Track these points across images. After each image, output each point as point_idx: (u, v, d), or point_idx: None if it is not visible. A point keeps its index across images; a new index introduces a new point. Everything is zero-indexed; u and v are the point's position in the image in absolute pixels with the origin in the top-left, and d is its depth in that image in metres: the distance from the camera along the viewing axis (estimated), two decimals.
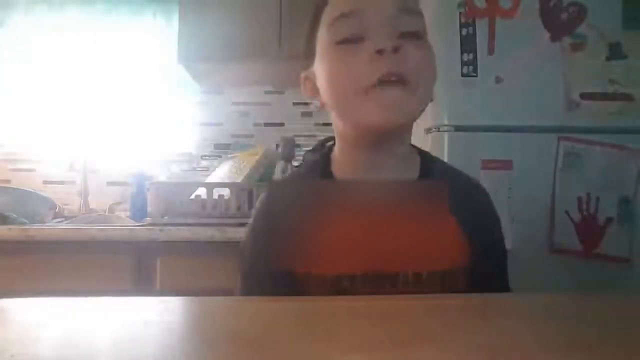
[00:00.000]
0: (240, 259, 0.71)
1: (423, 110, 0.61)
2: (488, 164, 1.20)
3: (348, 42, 0.58)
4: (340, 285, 0.60)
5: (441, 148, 1.21)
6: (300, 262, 0.58)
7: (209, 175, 1.87)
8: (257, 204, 0.70)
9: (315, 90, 0.66)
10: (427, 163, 0.67)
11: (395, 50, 0.55)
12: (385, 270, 0.61)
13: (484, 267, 0.65)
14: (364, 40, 0.57)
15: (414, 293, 0.61)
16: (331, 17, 0.60)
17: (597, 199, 1.21)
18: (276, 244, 0.55)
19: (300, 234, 0.56)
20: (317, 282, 0.61)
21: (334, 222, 0.52)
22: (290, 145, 1.59)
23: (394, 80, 0.55)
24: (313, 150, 1.33)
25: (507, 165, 1.20)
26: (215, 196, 1.45)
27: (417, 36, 0.58)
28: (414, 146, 0.69)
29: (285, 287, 0.62)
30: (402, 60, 0.56)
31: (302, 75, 0.68)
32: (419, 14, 0.60)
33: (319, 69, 0.63)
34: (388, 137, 0.61)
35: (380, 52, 0.55)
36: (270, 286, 0.64)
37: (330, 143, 0.72)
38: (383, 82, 0.55)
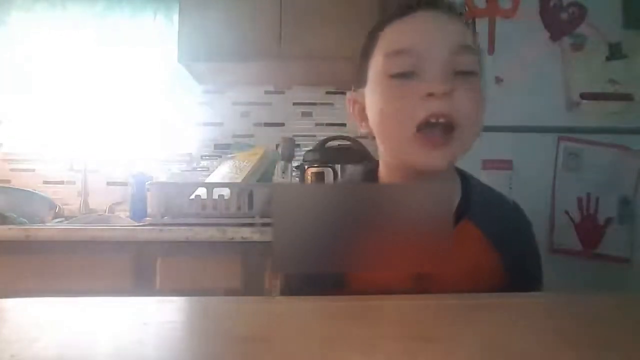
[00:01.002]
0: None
1: (464, 153, 0.60)
2: (488, 164, 1.20)
3: (402, 76, 0.58)
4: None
5: None
6: (291, 267, 0.55)
7: (209, 175, 1.87)
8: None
9: (363, 116, 0.65)
10: (467, 184, 0.67)
11: (446, 94, 0.55)
12: (427, 289, 0.59)
13: (519, 277, 0.63)
14: (418, 76, 0.57)
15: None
16: (388, 49, 0.60)
17: (597, 199, 1.21)
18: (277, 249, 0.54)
19: (299, 239, 0.55)
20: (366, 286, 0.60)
21: (334, 230, 0.52)
22: (290, 145, 1.59)
23: (442, 122, 0.56)
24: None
25: (507, 165, 1.20)
26: (215, 196, 1.45)
27: (472, 74, 0.58)
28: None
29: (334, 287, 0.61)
30: (452, 103, 0.56)
31: (351, 96, 0.68)
32: (475, 51, 0.60)
33: (370, 98, 0.63)
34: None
35: (431, 94, 0.55)
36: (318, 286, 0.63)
37: (369, 164, 0.71)
38: (430, 124, 0.56)
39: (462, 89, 0.56)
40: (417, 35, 0.58)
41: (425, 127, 0.56)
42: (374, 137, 0.65)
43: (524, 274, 0.65)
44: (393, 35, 0.60)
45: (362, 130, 0.67)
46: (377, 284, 0.61)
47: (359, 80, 0.65)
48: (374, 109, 0.62)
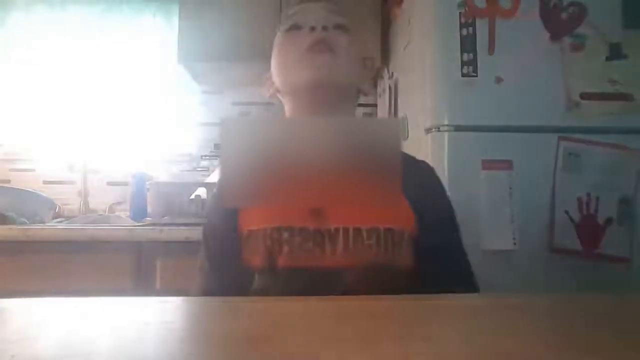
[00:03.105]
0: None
1: (349, 80, 0.75)
2: (488, 164, 1.20)
3: (292, 28, 0.76)
4: (281, 238, 0.66)
5: (441, 148, 1.21)
6: (239, 201, 0.60)
7: (209, 175, 1.87)
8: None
9: (270, 83, 0.81)
10: None
11: (325, 28, 0.74)
12: (325, 224, 0.66)
13: (430, 239, 0.68)
14: (302, 27, 0.75)
15: (355, 250, 0.65)
16: (282, 18, 0.79)
17: (597, 199, 1.21)
18: (225, 186, 0.56)
19: (246, 174, 0.57)
20: (257, 236, 0.68)
21: (278, 165, 0.53)
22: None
23: (324, 48, 0.72)
24: None
25: (507, 165, 1.20)
26: None
27: (343, 28, 0.76)
28: None
29: (232, 248, 0.70)
30: (330, 36, 0.73)
31: (264, 77, 0.83)
32: (345, 14, 0.79)
33: (273, 57, 0.80)
34: (326, 102, 0.73)
35: (312, 28, 0.74)
36: (221, 247, 0.74)
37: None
38: (314, 48, 0.72)
39: (337, 32, 0.75)
40: (303, 5, 0.78)
41: (310, 50, 0.72)
42: (278, 99, 0.81)
43: (436, 217, 0.72)
44: (285, 13, 0.81)
45: (268, 94, 0.82)
46: (271, 219, 0.68)
47: (269, 59, 0.81)
48: (275, 60, 0.78)
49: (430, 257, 0.68)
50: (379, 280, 0.64)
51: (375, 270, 0.66)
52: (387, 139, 0.53)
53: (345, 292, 0.61)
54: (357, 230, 0.66)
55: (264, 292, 0.68)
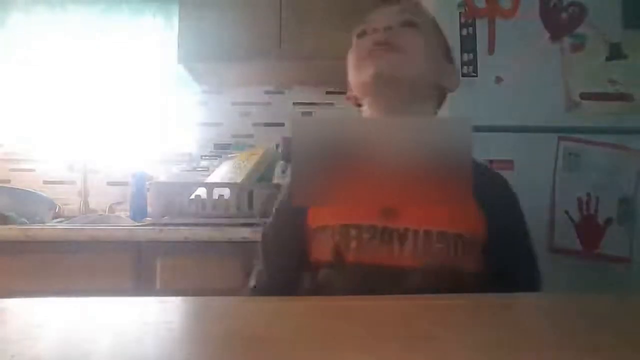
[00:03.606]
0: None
1: (418, 75, 0.73)
2: (488, 164, 1.20)
3: (362, 34, 0.77)
4: (348, 235, 0.67)
5: None
6: (309, 200, 0.62)
7: (209, 175, 1.87)
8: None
9: (352, 92, 0.80)
10: None
11: (387, 28, 0.73)
12: (395, 223, 0.66)
13: (501, 246, 0.68)
14: (371, 32, 0.75)
15: (424, 252, 0.65)
16: (358, 27, 0.79)
17: (597, 199, 1.21)
18: (297, 185, 0.57)
19: (317, 172, 0.57)
20: (325, 232, 0.69)
21: (350, 164, 0.54)
22: (290, 145, 1.58)
23: (384, 47, 0.71)
24: None
25: (507, 165, 1.20)
26: (215, 196, 1.45)
27: (411, 24, 0.74)
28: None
29: (297, 242, 0.72)
30: (392, 35, 0.72)
31: (347, 95, 0.83)
32: (415, 11, 0.78)
33: (349, 64, 0.79)
34: (396, 99, 0.72)
35: (375, 30, 0.74)
36: (287, 241, 0.75)
37: None
38: (376, 48, 0.72)
39: (402, 29, 0.73)
40: (376, 10, 0.79)
41: (373, 51, 0.72)
42: (358, 104, 0.80)
43: (507, 225, 0.72)
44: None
45: (354, 103, 0.81)
46: (340, 216, 0.69)
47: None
48: (349, 66, 0.78)
49: (498, 266, 0.69)
50: (445, 285, 0.64)
51: (442, 274, 0.65)
52: (458, 139, 0.53)
53: (410, 293, 0.62)
54: (427, 233, 0.66)
55: (328, 287, 0.68)
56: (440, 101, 0.82)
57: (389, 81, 0.71)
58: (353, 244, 0.67)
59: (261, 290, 0.77)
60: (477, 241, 0.68)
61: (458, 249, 0.66)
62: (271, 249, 0.79)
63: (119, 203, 1.97)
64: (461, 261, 0.67)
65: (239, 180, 1.53)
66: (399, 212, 0.68)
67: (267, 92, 2.08)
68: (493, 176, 0.78)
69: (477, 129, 1.21)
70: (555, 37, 1.25)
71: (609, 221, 1.21)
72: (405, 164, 0.54)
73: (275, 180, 1.55)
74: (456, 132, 0.55)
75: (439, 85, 0.78)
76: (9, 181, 1.98)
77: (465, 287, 0.64)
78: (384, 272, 0.66)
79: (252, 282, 0.78)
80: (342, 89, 2.05)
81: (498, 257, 0.69)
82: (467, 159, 0.53)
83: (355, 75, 0.76)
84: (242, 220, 1.41)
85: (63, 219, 1.83)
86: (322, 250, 0.70)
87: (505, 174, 1.21)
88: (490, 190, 0.67)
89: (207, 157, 2.06)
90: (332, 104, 2.05)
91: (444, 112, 1.23)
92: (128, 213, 1.85)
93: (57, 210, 1.83)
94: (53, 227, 1.50)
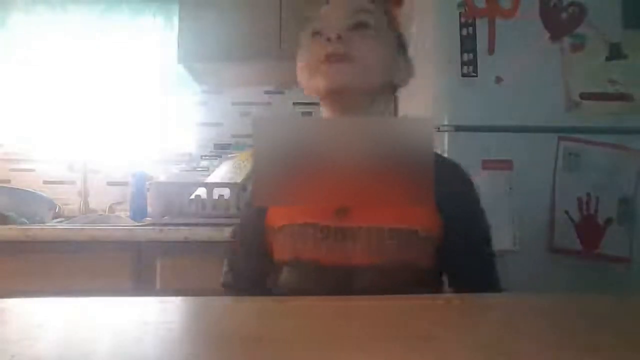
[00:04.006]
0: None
1: (373, 81, 0.73)
2: (488, 164, 1.20)
3: (314, 34, 0.75)
4: (306, 234, 0.69)
5: (441, 148, 1.21)
6: (269, 200, 0.63)
7: (209, 175, 1.87)
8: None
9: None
10: None
11: (338, 37, 0.71)
12: (348, 222, 0.68)
13: (458, 246, 0.69)
14: (322, 34, 0.73)
15: (376, 250, 0.66)
16: (311, 17, 0.78)
17: (597, 199, 1.21)
18: (257, 184, 0.58)
19: (277, 171, 0.58)
20: (285, 232, 0.71)
21: (309, 164, 0.54)
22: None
23: (338, 59, 0.70)
24: None
25: (507, 165, 1.20)
26: (215, 196, 1.45)
27: (365, 27, 0.73)
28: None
29: (260, 242, 0.74)
30: (344, 44, 0.71)
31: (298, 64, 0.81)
32: (371, 11, 0.75)
33: (298, 56, 0.78)
34: (352, 105, 0.72)
35: (328, 39, 0.72)
36: (251, 241, 0.77)
37: None
38: (329, 59, 0.70)
39: (356, 35, 0.72)
40: (325, 7, 0.77)
41: (326, 61, 0.71)
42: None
43: (465, 226, 0.72)
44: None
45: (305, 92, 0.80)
46: (298, 216, 0.70)
47: (299, 57, 0.80)
48: (298, 66, 0.77)
49: (454, 259, 0.70)
50: (399, 280, 0.66)
51: (395, 271, 0.66)
52: (419, 139, 0.53)
53: (365, 291, 0.64)
54: (380, 230, 0.67)
55: (289, 286, 0.71)
56: (392, 96, 0.82)
57: (342, 92, 0.72)
58: (310, 244, 0.68)
59: (228, 290, 0.80)
60: (432, 237, 0.69)
61: (411, 246, 0.67)
62: (237, 248, 0.82)
63: (119, 203, 1.97)
64: (415, 258, 0.67)
65: (239, 180, 1.53)
66: (352, 211, 0.69)
67: (267, 92, 2.08)
68: (446, 166, 0.76)
69: (477, 129, 1.22)
70: (555, 37, 1.25)
71: (609, 221, 1.21)
72: (365, 164, 0.54)
73: None
74: (417, 132, 0.54)
75: (391, 83, 0.78)
76: (9, 181, 1.98)
77: (419, 284, 0.66)
78: (338, 271, 0.67)
79: (221, 280, 0.83)
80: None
81: (453, 253, 0.70)
82: (428, 160, 0.53)
83: (308, 80, 0.75)
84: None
85: (63, 219, 1.83)
86: (282, 250, 0.72)
87: (505, 174, 1.22)
88: (443, 181, 0.64)
89: (207, 157, 2.06)
90: None
91: (442, 111, 1.23)
92: (128, 213, 1.85)
93: (57, 210, 1.83)
94: (53, 227, 1.50)
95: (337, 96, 0.73)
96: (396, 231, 0.67)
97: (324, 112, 0.78)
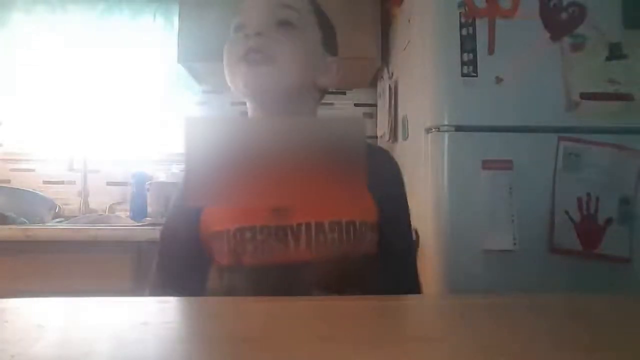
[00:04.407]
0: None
1: (292, 83, 0.71)
2: (488, 164, 1.20)
3: (236, 29, 0.74)
4: (244, 238, 0.67)
5: (441, 148, 1.21)
6: (201, 200, 0.61)
7: None
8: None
9: None
10: None
11: (258, 34, 0.69)
12: (287, 221, 0.68)
13: (391, 235, 0.71)
14: (243, 28, 0.72)
15: (318, 244, 0.67)
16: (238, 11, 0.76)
17: (597, 199, 1.21)
18: (189, 186, 0.56)
19: (210, 176, 0.57)
20: (221, 237, 0.69)
21: (241, 165, 0.54)
22: None
23: (258, 57, 0.68)
24: None
25: (507, 165, 1.20)
26: None
27: (289, 25, 0.71)
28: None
29: (191, 249, 0.72)
30: (264, 42, 0.69)
31: None
32: (293, 7, 0.73)
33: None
34: (274, 104, 0.71)
35: (246, 35, 0.70)
36: (179, 248, 0.74)
37: None
38: (249, 57, 0.68)
39: (278, 33, 0.70)
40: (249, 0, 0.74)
41: (244, 59, 0.69)
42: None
43: (397, 213, 0.75)
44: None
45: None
46: (233, 220, 0.68)
47: None
48: (225, 60, 0.74)
49: (388, 247, 0.72)
50: (343, 272, 0.67)
51: (338, 263, 0.67)
52: (351, 138, 0.54)
53: (311, 286, 0.65)
54: (319, 225, 0.67)
55: (232, 290, 0.69)
56: (320, 97, 0.80)
57: (261, 92, 0.71)
58: (249, 247, 0.67)
59: (153, 289, 0.75)
60: (369, 225, 0.70)
61: (351, 236, 0.68)
62: (166, 249, 0.77)
63: (119, 203, 1.97)
64: (355, 247, 0.68)
65: None
66: (290, 209, 0.68)
67: None
68: (377, 155, 0.77)
69: (477, 129, 1.22)
70: (555, 37, 1.25)
71: (609, 221, 1.21)
72: (297, 163, 0.54)
73: None
74: (349, 130, 0.55)
75: (315, 85, 0.76)
76: (9, 181, 1.98)
77: (361, 271, 0.68)
78: (282, 270, 0.67)
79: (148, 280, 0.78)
80: (341, 89, 2.06)
81: (386, 236, 0.72)
82: (361, 158, 0.53)
83: (229, 77, 0.73)
84: None
85: (63, 219, 1.83)
86: (220, 255, 0.70)
87: (505, 174, 1.22)
88: (375, 171, 0.64)
89: None
90: (332, 103, 2.05)
91: (442, 111, 1.23)
92: (128, 213, 1.85)
93: (57, 210, 1.83)
94: (53, 227, 1.50)
95: (258, 97, 0.72)
96: (336, 224, 0.67)
97: (250, 110, 0.76)
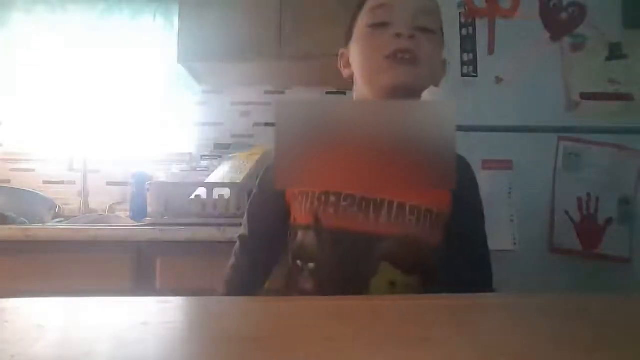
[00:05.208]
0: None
1: (425, 85, 0.76)
2: (488, 164, 1.20)
3: (377, 26, 0.74)
4: (328, 201, 0.71)
5: None
6: (291, 181, 0.63)
7: (209, 175, 1.87)
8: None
9: (347, 64, 0.82)
10: None
11: (411, 37, 0.72)
12: (372, 195, 0.71)
13: (462, 224, 0.75)
14: (389, 26, 0.73)
15: (397, 222, 0.70)
16: (369, 7, 0.77)
17: (597, 199, 1.21)
18: (278, 164, 0.58)
19: (299, 152, 0.58)
20: (306, 197, 0.73)
21: (333, 142, 0.55)
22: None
23: (407, 58, 0.71)
24: None
25: (507, 165, 1.20)
26: (215, 196, 1.45)
27: (431, 32, 0.74)
28: None
29: (277, 211, 0.77)
30: (414, 44, 0.72)
31: (340, 51, 0.84)
32: (436, 14, 0.77)
33: (354, 46, 0.79)
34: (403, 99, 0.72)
35: (398, 35, 0.72)
36: (266, 213, 0.81)
37: None
38: (398, 56, 0.71)
39: (424, 38, 0.73)
40: None
41: (394, 58, 0.71)
42: (351, 80, 0.81)
43: (469, 205, 0.79)
44: None
45: (345, 76, 0.83)
46: (321, 182, 0.69)
47: (348, 37, 0.81)
48: (356, 51, 0.77)
49: (458, 246, 0.75)
50: (414, 254, 0.71)
51: (410, 244, 0.71)
52: (442, 121, 0.55)
53: (380, 260, 0.69)
54: (401, 205, 0.71)
55: (305, 248, 0.73)
56: None
57: (403, 92, 0.72)
58: (331, 210, 0.71)
59: (244, 252, 0.84)
60: (443, 217, 0.73)
61: (427, 223, 0.71)
62: (255, 214, 0.85)
63: (119, 203, 1.97)
64: (427, 235, 0.72)
65: (239, 180, 1.53)
66: (377, 184, 0.70)
67: (267, 92, 2.08)
68: (459, 159, 0.79)
69: (477, 129, 1.22)
70: (555, 37, 1.25)
71: (609, 221, 1.21)
72: (391, 146, 0.55)
73: None
74: (441, 113, 0.55)
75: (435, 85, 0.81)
76: (9, 181, 1.98)
77: (427, 260, 0.71)
78: (357, 237, 0.70)
79: (235, 248, 0.86)
80: (342, 89, 2.06)
81: (458, 236, 0.75)
82: (451, 141, 0.54)
83: (368, 76, 0.75)
84: (242, 220, 1.40)
85: (63, 219, 1.83)
86: (301, 214, 0.74)
87: (505, 174, 1.21)
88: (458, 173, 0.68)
89: (207, 157, 2.06)
90: None
91: None
92: (128, 213, 1.85)
93: (57, 210, 1.83)
94: (53, 227, 1.50)
95: (396, 96, 0.73)
96: (416, 208, 0.71)
97: (361, 91, 0.78)
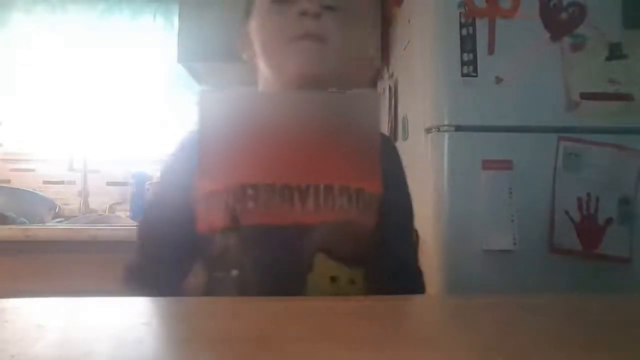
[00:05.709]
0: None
1: (335, 69, 0.73)
2: (488, 164, 1.20)
3: (280, 2, 0.70)
4: (245, 196, 0.62)
5: (441, 148, 1.21)
6: (205, 178, 0.60)
7: None
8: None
9: (247, 42, 0.76)
10: None
11: (317, 15, 0.68)
12: (295, 181, 0.63)
13: (392, 214, 0.69)
14: (293, 3, 0.69)
15: (326, 208, 0.63)
16: None
17: (597, 199, 1.21)
18: (203, 158, 0.55)
19: (217, 147, 0.56)
20: (219, 196, 0.63)
21: (253, 136, 0.54)
22: None
23: (314, 43, 0.68)
24: None
25: (507, 165, 1.20)
26: None
27: (335, 10, 0.71)
28: None
29: (185, 216, 0.66)
30: (321, 26, 0.68)
31: (241, 30, 0.78)
32: None
33: (255, 23, 0.74)
34: (308, 87, 0.69)
35: (304, 14, 0.68)
36: (171, 216, 0.71)
37: None
38: (303, 38, 0.67)
39: (329, 17, 0.69)
40: None
41: (300, 39, 0.67)
42: (253, 61, 0.75)
43: (397, 196, 0.74)
44: None
45: (244, 57, 0.77)
46: (235, 176, 0.63)
47: (248, 11, 0.77)
48: (257, 29, 0.72)
49: (389, 232, 0.68)
50: (350, 241, 0.65)
51: (343, 229, 0.65)
52: (365, 112, 0.54)
53: (315, 251, 0.63)
54: (328, 187, 0.63)
55: (225, 256, 0.65)
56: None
57: (312, 77, 0.69)
58: (250, 205, 0.62)
59: (138, 277, 0.76)
60: (376, 197, 0.66)
61: (359, 204, 0.64)
62: (154, 230, 0.76)
63: (119, 203, 1.97)
64: (361, 217, 0.65)
65: None
66: (298, 168, 0.64)
67: None
68: (385, 140, 0.75)
69: (477, 128, 1.21)
70: (555, 37, 1.25)
71: (609, 221, 1.21)
72: (310, 134, 0.54)
73: None
74: (364, 105, 0.55)
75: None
76: (9, 181, 1.98)
77: (365, 247, 0.65)
78: (284, 231, 0.63)
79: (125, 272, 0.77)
80: (341, 89, 2.05)
81: (387, 216, 0.68)
82: (375, 133, 0.53)
83: (273, 57, 0.70)
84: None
85: (63, 219, 1.83)
86: (214, 217, 0.64)
87: (505, 174, 1.21)
88: (384, 151, 0.64)
89: None
90: None
91: (442, 111, 1.23)
92: (128, 213, 1.85)
93: (57, 210, 1.83)
94: (53, 227, 1.50)
95: (302, 80, 0.69)
96: (345, 189, 0.64)
97: (269, 82, 0.73)
